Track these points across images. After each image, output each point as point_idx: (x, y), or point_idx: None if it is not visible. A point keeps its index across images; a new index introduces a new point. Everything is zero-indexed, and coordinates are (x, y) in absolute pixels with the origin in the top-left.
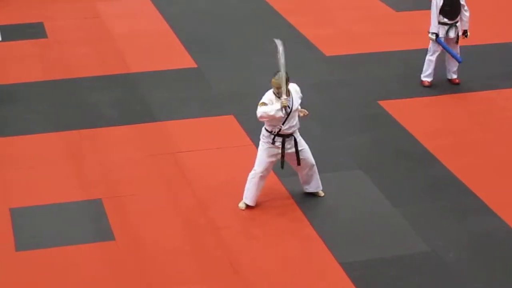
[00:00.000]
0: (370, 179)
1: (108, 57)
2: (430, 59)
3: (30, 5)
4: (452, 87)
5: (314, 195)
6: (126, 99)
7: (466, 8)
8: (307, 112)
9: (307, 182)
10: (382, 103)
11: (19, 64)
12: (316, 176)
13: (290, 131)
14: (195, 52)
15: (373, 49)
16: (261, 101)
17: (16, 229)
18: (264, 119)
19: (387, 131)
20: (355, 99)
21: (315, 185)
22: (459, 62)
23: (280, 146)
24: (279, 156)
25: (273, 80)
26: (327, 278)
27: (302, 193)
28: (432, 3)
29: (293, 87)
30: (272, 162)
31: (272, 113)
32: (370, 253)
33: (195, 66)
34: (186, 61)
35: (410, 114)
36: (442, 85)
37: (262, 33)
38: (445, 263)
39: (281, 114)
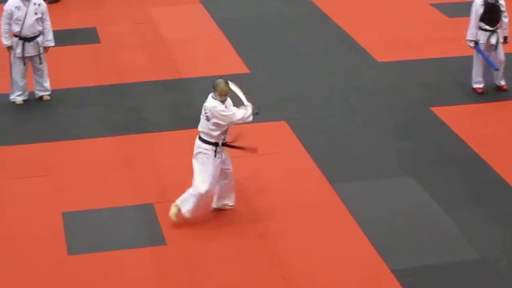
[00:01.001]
0: (421, 185)
1: (160, 62)
2: (477, 65)
3: (83, 10)
4: (503, 93)
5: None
6: (178, 104)
7: (506, 14)
8: None
9: (225, 194)
10: (434, 109)
11: (72, 69)
12: (232, 184)
13: (225, 141)
14: (248, 58)
15: (425, 55)
16: (224, 111)
17: (68, 233)
18: (238, 123)
19: (438, 137)
20: (406, 105)
21: (232, 196)
22: (495, 69)
23: (219, 157)
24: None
25: (222, 86)
26: (378, 284)
27: (353, 199)
28: (471, 11)
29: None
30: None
31: (249, 117)
32: (421, 259)
33: (248, 71)
34: (238, 66)
35: (462, 120)
36: (495, 92)
37: (313, 38)
38: (496, 271)
39: (251, 118)
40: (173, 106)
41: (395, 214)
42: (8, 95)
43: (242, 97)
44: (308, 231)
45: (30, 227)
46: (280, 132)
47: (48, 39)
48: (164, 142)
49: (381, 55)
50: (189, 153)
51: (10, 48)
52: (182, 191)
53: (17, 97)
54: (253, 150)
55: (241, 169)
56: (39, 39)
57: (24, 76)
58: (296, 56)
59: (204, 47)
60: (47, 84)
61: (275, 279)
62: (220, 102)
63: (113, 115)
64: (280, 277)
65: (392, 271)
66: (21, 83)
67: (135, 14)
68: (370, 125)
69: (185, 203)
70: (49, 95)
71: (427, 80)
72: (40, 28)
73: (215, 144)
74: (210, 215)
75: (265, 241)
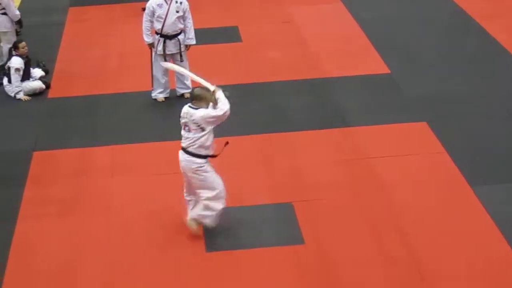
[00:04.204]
0: None
1: (300, 61)
2: None
3: (225, 9)
4: None
5: None
6: (317, 104)
7: None
8: None
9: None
10: None
11: (214, 67)
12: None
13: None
14: (388, 58)
15: None
16: (215, 112)
17: (207, 230)
18: (224, 117)
19: None
20: None
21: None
22: None
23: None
24: None
25: (209, 95)
26: None
27: (494, 202)
28: None
29: None
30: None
31: (227, 102)
32: None
33: (388, 71)
34: (379, 66)
35: None
36: None
37: (455, 39)
38: None
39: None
40: (313, 105)
41: None
42: (150, 92)
43: (202, 81)
44: (446, 234)
45: (169, 222)
46: (420, 134)
47: (189, 37)
48: (304, 141)
49: None
50: (328, 153)
51: (151, 45)
52: (321, 190)
53: (158, 94)
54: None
55: (381, 170)
56: (180, 37)
57: (165, 73)
58: (437, 56)
59: (345, 47)
60: (188, 82)
61: (415, 280)
62: (204, 108)
63: (253, 113)
64: (419, 279)
65: None
66: (162, 81)
67: (276, 13)
68: None
69: (205, 218)
70: (190, 92)
71: None
72: (181, 26)
73: (205, 157)
74: (347, 215)
75: (404, 240)
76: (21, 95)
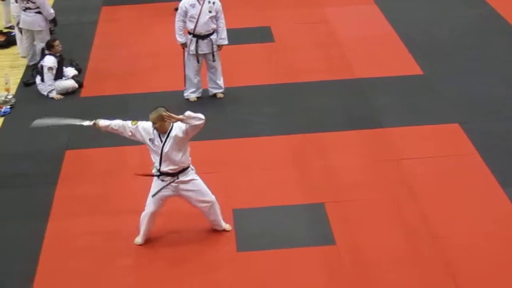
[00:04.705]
0: None
1: (334, 62)
2: None
3: (257, 9)
4: None
5: None
6: (351, 104)
7: None
8: None
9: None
10: None
11: (246, 67)
12: None
13: None
14: (422, 59)
15: None
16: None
17: (238, 230)
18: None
19: None
20: None
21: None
22: None
23: None
24: None
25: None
26: None
27: None
28: None
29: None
30: None
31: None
32: None
33: (421, 73)
34: (412, 68)
35: None
36: None
37: (489, 40)
38: None
39: None
40: (346, 106)
41: None
42: (182, 92)
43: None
44: (478, 236)
45: (201, 222)
46: (452, 135)
47: (222, 37)
48: (336, 142)
49: None
50: (361, 153)
51: (184, 45)
52: (354, 191)
53: (190, 94)
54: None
55: (413, 171)
56: (213, 37)
57: (197, 73)
58: (470, 58)
59: (378, 48)
60: (220, 82)
61: (447, 283)
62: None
63: (286, 114)
64: (451, 281)
65: None
66: (194, 80)
67: (309, 14)
68: None
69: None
70: (222, 92)
71: None
72: (214, 26)
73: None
74: (379, 216)
75: (436, 242)
76: (53, 94)
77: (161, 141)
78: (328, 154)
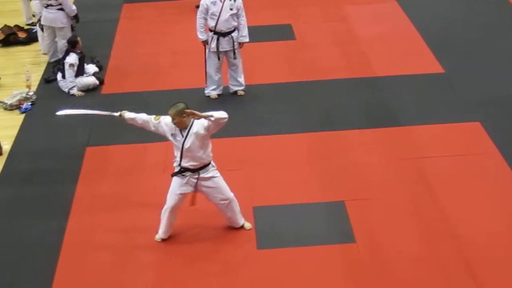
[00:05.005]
0: None
1: (354, 60)
2: None
3: (278, 7)
4: None
5: None
6: (370, 103)
7: None
8: None
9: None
10: None
11: (267, 65)
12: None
13: None
14: (443, 57)
15: None
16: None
17: (259, 228)
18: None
19: None
20: None
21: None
22: None
23: None
24: None
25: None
26: None
27: None
28: None
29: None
30: None
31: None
32: None
33: (442, 71)
34: (433, 66)
35: None
36: None
37: (510, 38)
38: None
39: None
40: (365, 104)
41: None
42: (203, 89)
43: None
44: (498, 235)
45: (221, 219)
46: (473, 134)
47: (243, 35)
48: (356, 140)
49: None
50: (381, 152)
51: (205, 42)
52: (374, 189)
53: (211, 91)
54: None
55: (431, 168)
56: (234, 34)
57: (218, 70)
58: (492, 57)
59: (399, 46)
60: (241, 79)
61: (467, 282)
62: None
63: (306, 112)
64: (471, 281)
65: None
66: (215, 77)
67: (330, 12)
68: None
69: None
70: (243, 90)
71: None
72: (235, 23)
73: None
74: (398, 214)
75: (457, 242)
76: (74, 91)
77: (182, 136)
78: (348, 152)
